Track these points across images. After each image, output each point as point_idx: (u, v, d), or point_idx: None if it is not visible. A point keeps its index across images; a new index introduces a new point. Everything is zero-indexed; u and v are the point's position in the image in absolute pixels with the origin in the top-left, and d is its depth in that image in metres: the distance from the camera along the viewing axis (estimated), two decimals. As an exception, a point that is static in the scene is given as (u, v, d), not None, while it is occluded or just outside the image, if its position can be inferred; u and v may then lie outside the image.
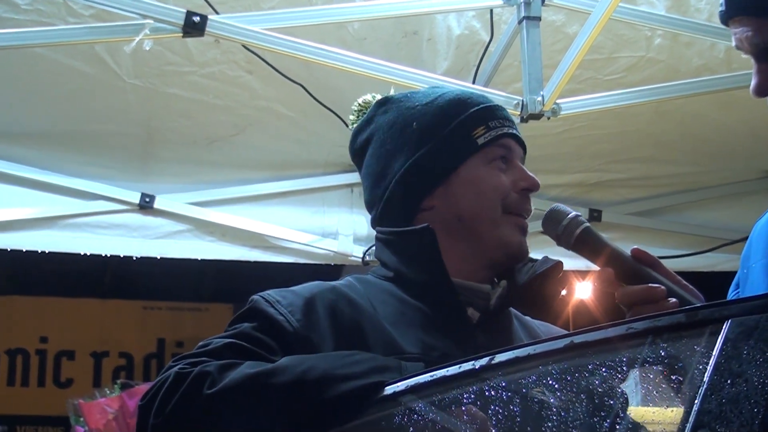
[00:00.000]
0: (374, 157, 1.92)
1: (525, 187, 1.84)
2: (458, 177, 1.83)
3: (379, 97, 1.99)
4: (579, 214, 1.75)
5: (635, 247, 1.67)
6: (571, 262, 1.85)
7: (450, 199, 1.83)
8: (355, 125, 1.99)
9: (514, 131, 1.88)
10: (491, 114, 1.88)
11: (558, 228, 1.73)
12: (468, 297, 1.81)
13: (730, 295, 1.93)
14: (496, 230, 1.81)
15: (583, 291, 6.04)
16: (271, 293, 1.76)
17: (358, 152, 1.97)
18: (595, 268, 1.71)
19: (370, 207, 1.95)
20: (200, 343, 1.69)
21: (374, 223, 1.94)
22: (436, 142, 1.85)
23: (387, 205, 1.88)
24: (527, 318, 1.92)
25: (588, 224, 1.73)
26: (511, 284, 1.84)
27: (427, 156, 1.84)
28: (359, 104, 2.01)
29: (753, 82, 1.74)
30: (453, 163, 1.84)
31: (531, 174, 1.85)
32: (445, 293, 1.79)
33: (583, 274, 4.37)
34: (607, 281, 1.66)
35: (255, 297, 1.77)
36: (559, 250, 1.79)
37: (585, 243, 1.71)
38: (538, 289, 1.82)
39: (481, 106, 1.88)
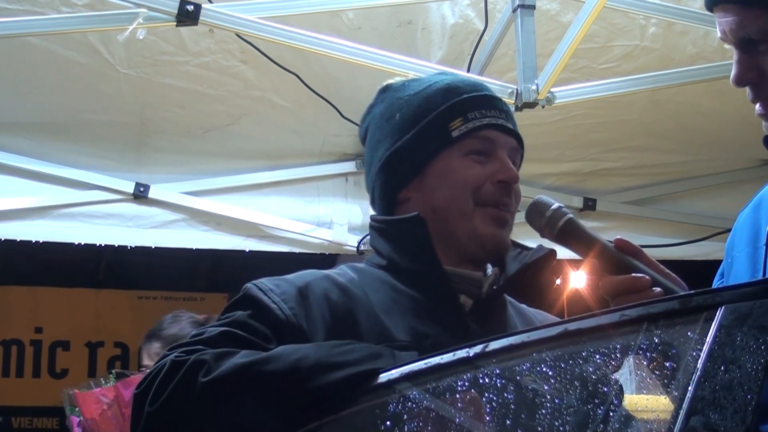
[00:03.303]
0: (368, 146, 1.94)
1: (501, 179, 1.81)
2: (432, 169, 1.83)
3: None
4: (562, 205, 1.74)
5: (618, 237, 1.67)
6: (565, 250, 1.85)
7: (424, 191, 1.83)
8: None
9: (501, 122, 1.85)
10: (473, 105, 1.85)
11: (541, 220, 1.72)
12: (460, 285, 1.81)
13: (715, 284, 1.92)
14: (467, 223, 1.80)
15: (577, 280, 6.04)
16: (265, 281, 1.76)
17: (362, 142, 1.99)
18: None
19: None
20: (194, 332, 1.70)
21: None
22: (414, 133, 1.84)
23: (372, 196, 1.92)
24: (523, 306, 1.92)
25: (571, 215, 1.72)
26: (503, 272, 1.84)
27: (403, 148, 1.85)
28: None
29: (733, 72, 1.73)
30: (427, 156, 1.83)
31: (511, 166, 1.83)
32: (437, 281, 1.79)
33: (578, 263, 4.37)
34: (591, 272, 1.66)
35: (248, 285, 1.77)
36: (547, 241, 1.79)
37: (568, 234, 1.71)
38: (531, 277, 1.82)
39: (464, 96, 1.86)
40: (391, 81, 1.99)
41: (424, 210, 1.82)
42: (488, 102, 1.87)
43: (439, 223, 1.81)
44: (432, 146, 1.83)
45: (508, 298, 1.89)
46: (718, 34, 1.75)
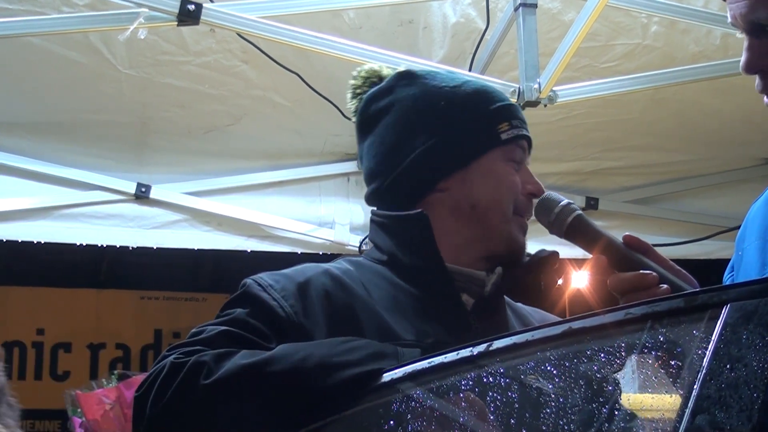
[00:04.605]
0: (391, 127, 1.88)
1: (531, 192, 1.85)
2: (479, 166, 1.84)
3: (383, 68, 1.99)
4: (571, 201, 1.75)
5: (627, 233, 1.67)
6: (567, 250, 1.85)
7: (466, 185, 1.83)
8: (357, 91, 1.97)
9: (527, 133, 1.90)
10: (513, 113, 1.90)
11: (550, 215, 1.73)
12: (462, 283, 1.80)
13: (726, 278, 1.92)
14: (505, 226, 1.83)
15: (579, 280, 6.04)
16: (264, 277, 1.75)
17: (369, 119, 1.93)
18: (589, 255, 1.70)
19: (373, 177, 1.91)
20: (193, 331, 1.68)
21: (372, 196, 1.92)
22: (463, 127, 1.85)
23: (398, 179, 1.86)
24: (519, 305, 1.92)
25: (580, 212, 1.73)
26: (506, 272, 1.84)
27: (452, 139, 1.85)
28: (366, 71, 1.98)
29: (743, 58, 1.72)
30: (476, 152, 1.85)
31: (537, 179, 1.87)
32: (440, 279, 1.78)
33: (579, 262, 4.37)
34: (599, 269, 1.66)
35: (247, 281, 1.76)
36: (553, 239, 1.79)
37: (577, 230, 1.71)
38: (534, 277, 1.83)
39: (505, 102, 1.90)
40: (409, 68, 1.98)
41: (462, 203, 1.83)
42: (520, 112, 1.92)
43: (474, 219, 1.82)
44: (483, 144, 1.85)
45: (506, 299, 1.89)
46: (729, 20, 1.73)
